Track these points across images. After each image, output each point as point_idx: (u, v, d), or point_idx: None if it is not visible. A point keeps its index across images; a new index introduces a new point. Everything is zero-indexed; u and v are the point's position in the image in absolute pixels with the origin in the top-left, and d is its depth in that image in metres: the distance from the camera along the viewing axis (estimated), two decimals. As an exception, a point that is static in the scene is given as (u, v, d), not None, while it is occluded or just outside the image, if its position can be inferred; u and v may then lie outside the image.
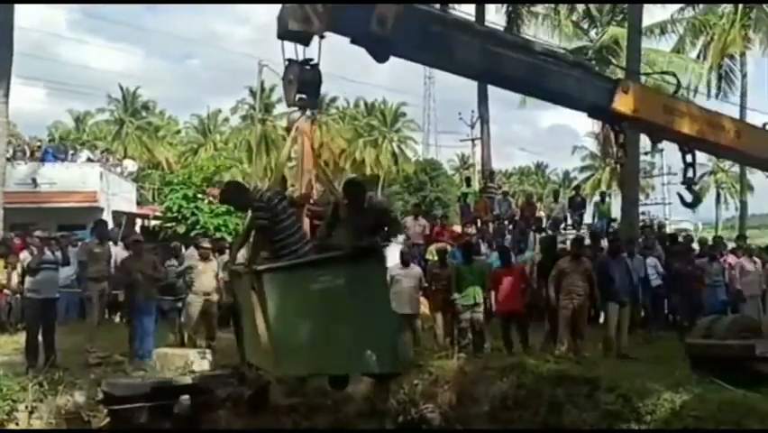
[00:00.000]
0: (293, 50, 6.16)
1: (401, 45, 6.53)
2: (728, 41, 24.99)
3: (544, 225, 15.66)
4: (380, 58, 6.63)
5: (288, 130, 6.56)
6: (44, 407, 8.08)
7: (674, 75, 8.93)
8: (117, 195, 24.26)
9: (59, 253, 9.26)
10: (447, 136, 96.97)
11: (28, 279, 9.01)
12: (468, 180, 23.19)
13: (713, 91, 25.50)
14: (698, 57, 25.53)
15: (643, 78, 13.32)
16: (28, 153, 23.42)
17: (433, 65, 8.48)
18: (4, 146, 13.67)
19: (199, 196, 18.07)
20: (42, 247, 9.12)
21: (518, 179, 69.44)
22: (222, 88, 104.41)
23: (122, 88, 49.91)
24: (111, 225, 21.41)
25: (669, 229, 22.85)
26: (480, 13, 16.43)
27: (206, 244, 10.55)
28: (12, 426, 7.73)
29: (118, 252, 12.25)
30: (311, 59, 6.32)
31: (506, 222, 16.04)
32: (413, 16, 6.33)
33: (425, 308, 10.83)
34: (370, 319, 5.49)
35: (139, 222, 24.80)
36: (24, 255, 9.28)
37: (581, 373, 8.49)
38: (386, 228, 6.03)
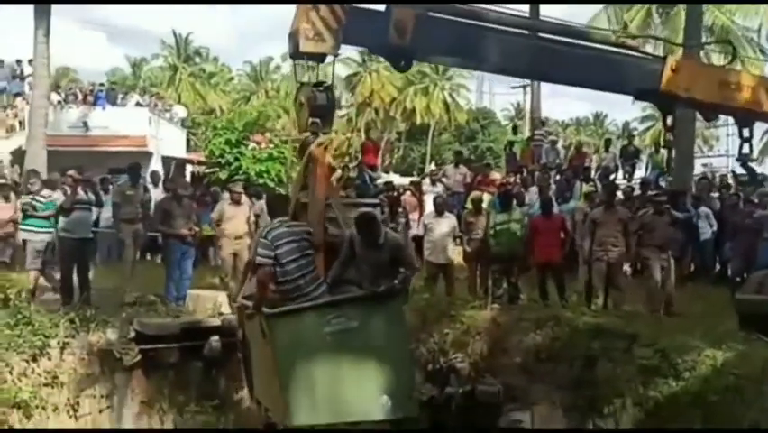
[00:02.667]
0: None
1: (424, 52, 6.22)
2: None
3: (592, 176, 15.09)
4: (402, 67, 6.34)
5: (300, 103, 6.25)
6: (76, 343, 8.25)
7: (731, 43, 8.30)
8: (166, 140, 24.57)
9: (92, 194, 9.31)
10: (502, 85, 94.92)
11: (61, 219, 9.09)
12: (515, 128, 22.50)
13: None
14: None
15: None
16: (80, 97, 23.80)
17: (463, 67, 8.20)
18: (47, 88, 13.77)
19: (244, 142, 17.99)
20: (75, 187, 9.17)
21: (575, 129, 67.48)
22: (274, 35, 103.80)
23: (175, 34, 50.15)
24: (161, 170, 21.88)
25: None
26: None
27: (238, 189, 10.47)
28: (44, 360, 7.91)
29: (158, 195, 12.35)
30: (323, 82, 6.07)
31: (552, 171, 15.48)
32: (434, 22, 5.96)
33: (458, 257, 10.56)
34: (386, 363, 5.37)
35: (189, 168, 25.08)
36: (57, 195, 9.37)
37: (618, 326, 8.18)
38: (402, 268, 5.73)
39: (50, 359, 7.95)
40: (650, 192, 11.86)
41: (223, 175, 16.93)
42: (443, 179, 14.34)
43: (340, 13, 5.68)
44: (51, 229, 9.34)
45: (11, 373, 7.52)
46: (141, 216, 9.82)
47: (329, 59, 6.08)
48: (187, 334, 8.59)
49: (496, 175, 14.41)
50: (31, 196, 9.17)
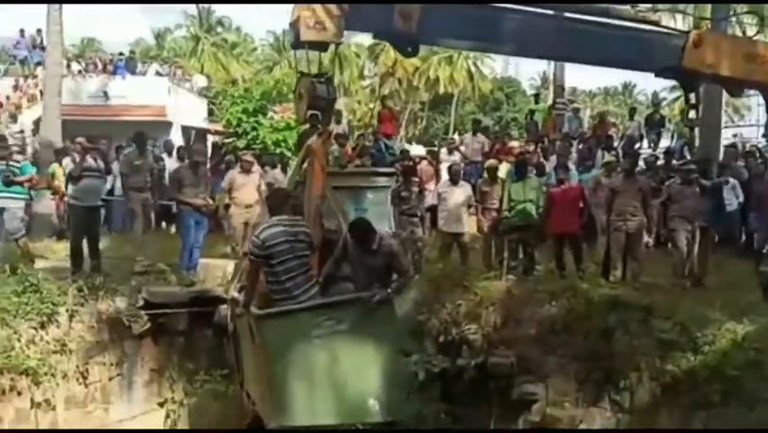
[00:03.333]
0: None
1: (432, 37, 5.97)
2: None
3: (615, 145, 14.69)
4: (409, 53, 6.09)
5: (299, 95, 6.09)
6: (85, 311, 8.24)
7: (756, 14, 7.87)
8: (186, 109, 24.48)
9: (101, 162, 9.22)
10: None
11: (70, 186, 9.02)
12: (537, 97, 21.98)
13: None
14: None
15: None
16: (100, 67, 23.80)
17: (477, 50, 7.96)
18: (59, 55, 13.69)
19: (262, 111, 17.82)
20: (84, 155, 9.08)
21: (603, 99, 66.19)
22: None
23: (197, 5, 49.88)
24: (180, 139, 21.85)
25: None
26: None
27: (248, 157, 10.33)
28: (53, 328, 7.90)
29: (172, 164, 12.28)
30: (325, 73, 5.85)
31: (575, 140, 15.09)
32: (443, 6, 5.69)
33: (473, 227, 10.33)
34: (376, 366, 5.33)
35: (210, 138, 25.01)
36: (66, 162, 9.28)
37: (637, 299, 7.93)
38: (396, 274, 5.71)
39: (58, 327, 7.97)
40: (674, 162, 11.48)
41: (240, 144, 16.81)
42: (461, 148, 14.05)
43: None
44: (27, 195, 9.27)
45: (19, 340, 7.53)
46: (150, 186, 9.69)
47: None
48: (194, 302, 8.53)
49: (514, 144, 14.08)
50: (5, 162, 8.93)
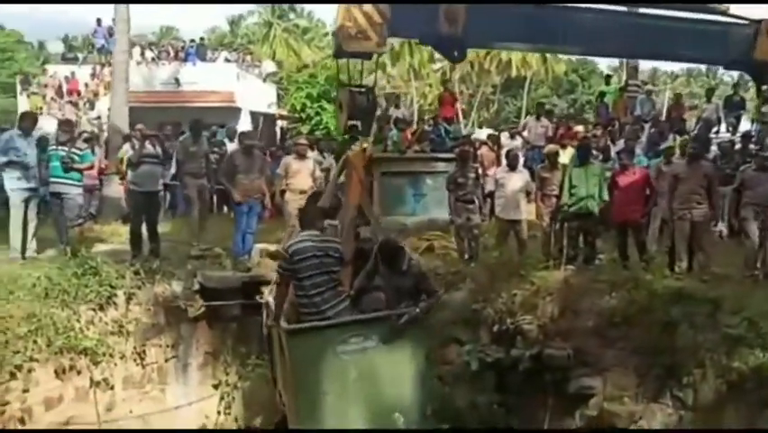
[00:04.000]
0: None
1: (480, 40, 5.71)
2: None
3: (690, 128, 13.95)
4: (456, 58, 5.87)
5: (339, 105, 6.05)
6: (142, 294, 8.42)
7: None
8: (254, 95, 24.81)
9: (159, 148, 9.37)
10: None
11: (130, 172, 9.22)
12: (608, 78, 21.09)
13: None
14: None
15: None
16: (172, 54, 24.38)
17: (528, 51, 7.61)
18: (126, 43, 14.04)
19: (326, 96, 17.85)
20: (143, 141, 9.24)
21: (685, 80, 63.35)
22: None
23: (268, -9, 50.28)
24: (249, 124, 22.17)
25: None
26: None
27: (303, 142, 10.31)
28: (111, 310, 8.11)
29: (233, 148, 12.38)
30: (365, 85, 5.72)
31: (646, 123, 14.42)
32: (491, 6, 5.43)
33: (532, 214, 10.00)
34: (402, 382, 5.41)
35: (279, 123, 25.28)
36: (126, 148, 9.46)
37: (703, 291, 7.49)
38: (425, 295, 5.71)
39: (116, 309, 8.14)
40: (751, 146, 10.78)
41: (304, 129, 16.92)
42: (524, 133, 13.64)
43: (384, 7, 5.27)
44: (83, 183, 9.41)
45: (78, 321, 7.73)
46: (206, 172, 9.77)
47: None
48: (248, 287, 8.59)
49: (579, 128, 13.56)
50: (67, 148, 9.06)
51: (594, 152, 10.89)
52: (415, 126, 13.97)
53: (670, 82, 50.26)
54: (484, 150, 12.88)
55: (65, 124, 9.83)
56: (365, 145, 6.21)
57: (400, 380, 5.43)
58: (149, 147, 9.18)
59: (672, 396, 7.05)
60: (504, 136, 13.78)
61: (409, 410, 5.43)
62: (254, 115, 23.78)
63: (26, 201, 8.75)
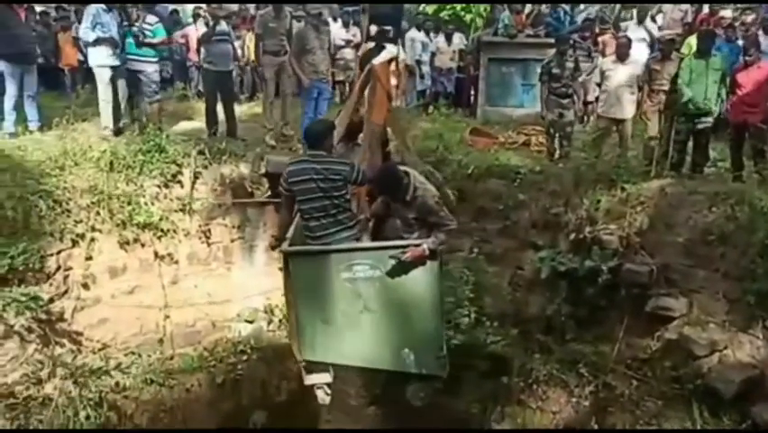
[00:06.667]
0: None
1: None
2: None
3: None
4: None
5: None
6: (208, 174, 8.36)
7: None
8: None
9: (229, 26, 9.00)
10: None
11: (202, 50, 8.98)
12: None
13: None
14: None
15: None
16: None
17: None
18: None
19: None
20: (217, 19, 8.91)
21: None
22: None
23: None
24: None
25: None
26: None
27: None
28: (177, 187, 8.11)
29: (336, 30, 11.65)
30: None
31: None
32: None
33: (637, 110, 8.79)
34: (412, 317, 5.02)
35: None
36: (199, 26, 9.16)
37: (818, 211, 6.30)
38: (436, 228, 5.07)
39: (182, 186, 8.13)
40: None
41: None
42: (657, 18, 11.88)
43: None
44: (158, 57, 9.16)
45: (143, 196, 7.79)
46: (285, 50, 9.30)
47: None
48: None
49: (726, 13, 11.51)
50: (137, 24, 8.77)
51: (739, 43, 9.31)
52: (531, 7, 12.53)
53: None
54: (606, 37, 11.41)
55: None
56: (394, 52, 5.49)
57: (410, 316, 5.03)
58: (222, 25, 8.86)
59: (764, 327, 6.19)
60: (631, 22, 12.01)
61: (418, 348, 5.06)
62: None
63: (113, 78, 8.76)
